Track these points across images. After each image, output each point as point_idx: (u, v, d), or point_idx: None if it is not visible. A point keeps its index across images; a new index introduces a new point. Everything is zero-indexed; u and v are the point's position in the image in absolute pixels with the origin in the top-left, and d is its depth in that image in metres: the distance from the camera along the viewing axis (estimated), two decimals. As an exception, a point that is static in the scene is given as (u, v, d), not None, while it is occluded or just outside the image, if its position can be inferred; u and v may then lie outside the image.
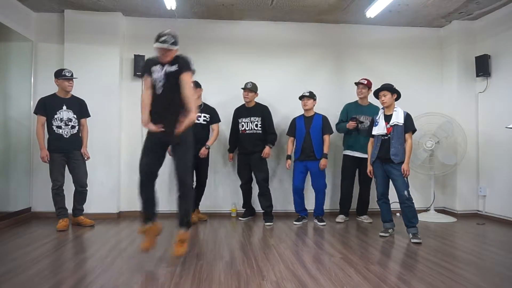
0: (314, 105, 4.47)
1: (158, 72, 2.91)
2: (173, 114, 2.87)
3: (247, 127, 4.47)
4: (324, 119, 4.47)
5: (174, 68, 2.89)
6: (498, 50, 4.75)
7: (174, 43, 2.88)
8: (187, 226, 3.01)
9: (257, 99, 4.63)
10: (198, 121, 4.35)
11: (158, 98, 2.93)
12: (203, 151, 4.36)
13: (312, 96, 4.44)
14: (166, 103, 2.91)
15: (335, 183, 5.00)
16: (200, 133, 4.32)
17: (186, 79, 2.86)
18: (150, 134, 2.98)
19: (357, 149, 4.52)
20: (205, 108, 4.53)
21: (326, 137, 4.42)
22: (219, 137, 4.67)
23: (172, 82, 2.88)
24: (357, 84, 4.63)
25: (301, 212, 4.55)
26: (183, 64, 2.90)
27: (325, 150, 4.39)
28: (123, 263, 2.90)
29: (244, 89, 4.49)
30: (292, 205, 4.95)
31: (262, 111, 4.52)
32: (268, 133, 4.49)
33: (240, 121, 4.51)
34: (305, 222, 4.53)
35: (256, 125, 4.46)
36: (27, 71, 4.74)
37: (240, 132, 4.50)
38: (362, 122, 4.46)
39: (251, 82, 4.53)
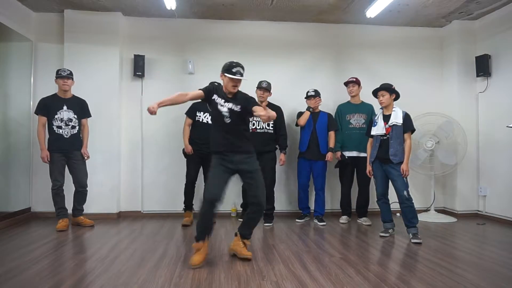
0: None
1: (223, 106, 2.96)
2: (240, 143, 2.98)
3: (258, 125, 4.34)
4: (329, 116, 4.57)
5: (238, 108, 2.96)
6: (498, 50, 4.75)
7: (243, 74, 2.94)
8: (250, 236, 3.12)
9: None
10: (203, 121, 4.33)
11: (225, 127, 2.97)
12: None
13: (318, 94, 4.52)
14: (232, 133, 2.97)
15: (335, 183, 5.00)
16: (206, 133, 4.23)
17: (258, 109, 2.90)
18: (219, 161, 2.97)
19: (351, 148, 4.52)
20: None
21: (331, 133, 4.52)
22: None
23: (237, 119, 2.97)
24: (346, 84, 4.66)
25: (304, 210, 4.61)
26: (247, 102, 2.98)
27: (331, 145, 4.49)
28: (123, 263, 2.90)
29: (260, 88, 4.36)
30: (292, 205, 4.99)
31: (276, 111, 4.40)
32: (279, 134, 4.40)
33: (251, 119, 4.31)
34: (307, 220, 4.58)
35: (268, 124, 4.35)
36: (27, 71, 4.74)
37: (250, 130, 4.42)
38: (346, 158, 4.53)
39: (266, 81, 4.37)
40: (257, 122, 4.37)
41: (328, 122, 4.51)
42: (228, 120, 2.96)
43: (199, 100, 3.17)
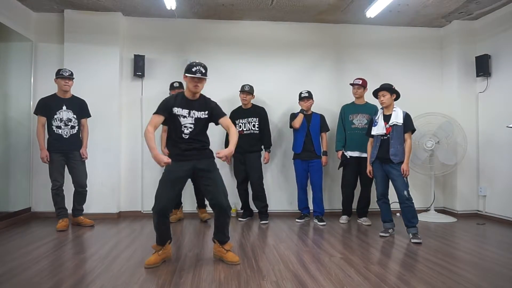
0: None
1: (186, 118, 2.90)
2: (200, 146, 2.95)
3: (244, 127, 4.52)
4: (322, 118, 4.62)
5: (205, 114, 2.94)
6: (498, 50, 4.74)
7: (206, 74, 2.90)
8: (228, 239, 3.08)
9: (257, 99, 4.66)
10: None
11: (186, 140, 2.90)
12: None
13: (311, 96, 4.54)
14: (195, 143, 2.93)
15: (335, 183, 5.00)
16: None
17: (227, 122, 3.02)
18: (172, 167, 2.89)
19: (353, 148, 4.50)
20: None
21: (323, 135, 4.61)
22: (216, 138, 4.63)
23: (202, 127, 2.95)
24: (352, 84, 4.64)
25: (304, 210, 4.64)
26: (216, 110, 2.98)
27: (324, 148, 4.59)
28: (123, 263, 2.90)
29: (242, 91, 4.54)
30: (292, 205, 5.00)
31: (259, 112, 4.59)
32: (263, 134, 4.55)
33: (237, 122, 4.53)
34: (307, 220, 4.60)
35: (254, 126, 4.52)
36: (27, 71, 4.73)
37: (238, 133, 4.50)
38: (348, 158, 4.51)
39: (249, 85, 4.58)
40: (244, 124, 4.53)
41: (320, 124, 4.57)
42: (187, 136, 2.89)
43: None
